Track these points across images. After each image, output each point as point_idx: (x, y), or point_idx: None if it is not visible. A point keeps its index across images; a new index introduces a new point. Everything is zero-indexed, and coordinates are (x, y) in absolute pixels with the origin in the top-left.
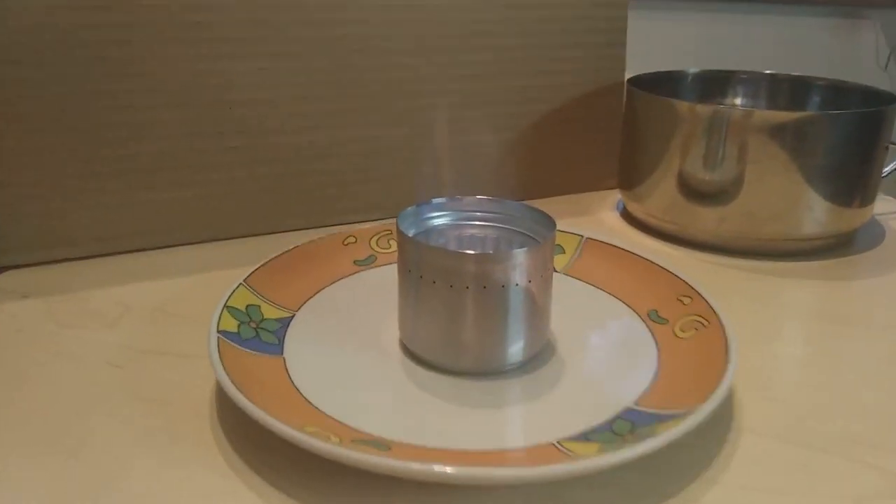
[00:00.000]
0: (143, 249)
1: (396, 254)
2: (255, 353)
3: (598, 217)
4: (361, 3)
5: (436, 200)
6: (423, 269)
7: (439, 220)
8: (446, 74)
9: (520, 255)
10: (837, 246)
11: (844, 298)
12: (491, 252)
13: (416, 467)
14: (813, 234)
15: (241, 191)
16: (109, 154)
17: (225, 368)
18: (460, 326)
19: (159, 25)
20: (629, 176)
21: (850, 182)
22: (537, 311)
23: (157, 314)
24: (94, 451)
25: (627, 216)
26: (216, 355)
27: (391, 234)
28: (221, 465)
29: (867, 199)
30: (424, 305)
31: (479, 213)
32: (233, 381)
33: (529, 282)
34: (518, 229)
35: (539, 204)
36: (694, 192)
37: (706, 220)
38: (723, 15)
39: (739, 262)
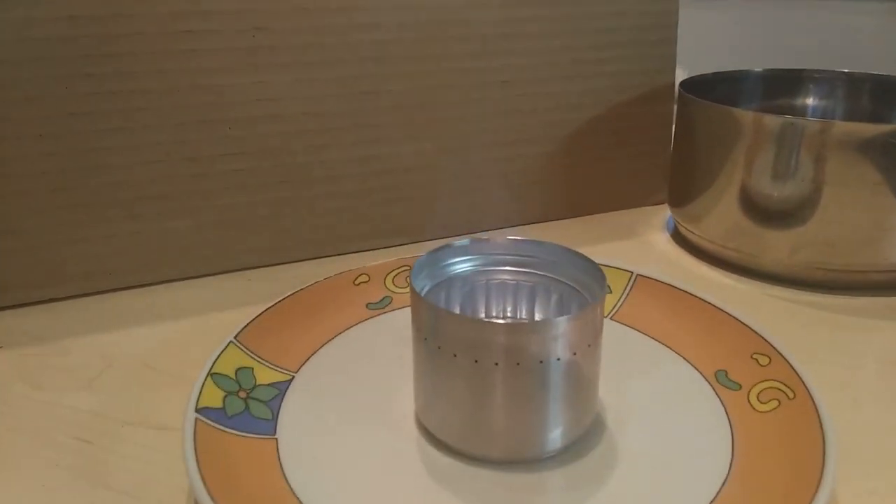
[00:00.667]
0: (134, 287)
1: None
2: (241, 434)
3: (647, 239)
4: (374, 4)
5: (458, 242)
6: (442, 339)
7: (463, 265)
8: (473, 81)
9: (563, 324)
10: None
11: None
12: (526, 321)
13: None
14: None
15: (242, 219)
16: (97, 182)
17: (199, 468)
18: (488, 409)
19: (148, 35)
20: (681, 192)
21: None
22: (582, 387)
23: (141, 370)
24: None
25: (679, 238)
26: (190, 438)
27: (409, 270)
28: None
29: None
30: (444, 381)
31: (510, 257)
32: (203, 481)
33: (574, 354)
34: (558, 277)
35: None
36: (761, 214)
37: (776, 247)
38: (785, 3)
39: (817, 297)
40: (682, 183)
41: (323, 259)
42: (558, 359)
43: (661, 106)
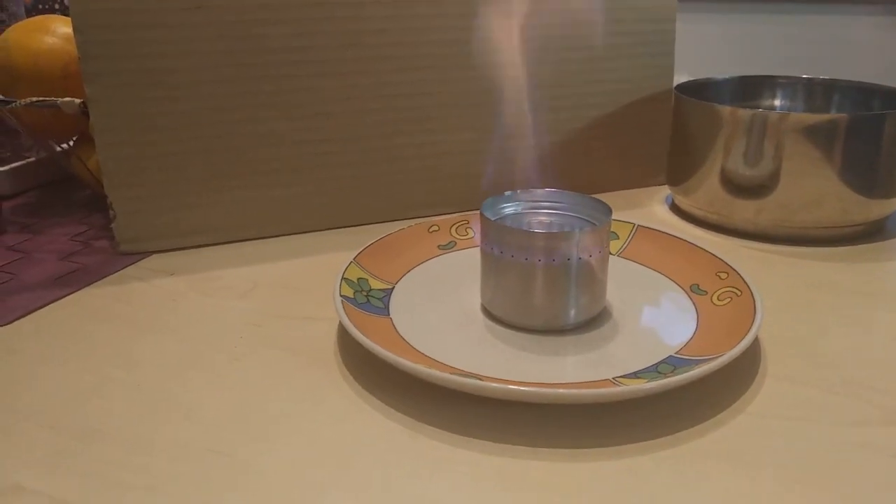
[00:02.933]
0: (258, 238)
1: (473, 239)
2: (367, 313)
3: (649, 209)
4: (428, 33)
5: (508, 192)
6: (503, 246)
7: (512, 208)
8: (509, 86)
9: (581, 234)
10: (868, 233)
11: (871, 277)
12: (557, 231)
13: (495, 386)
14: (843, 222)
15: (335, 188)
16: (232, 158)
17: (348, 316)
18: (532, 293)
19: (274, 51)
20: (677, 173)
21: (877, 176)
22: (596, 281)
23: (282, 289)
24: (241, 382)
25: (676, 209)
26: (341, 308)
27: (468, 223)
28: (347, 392)
29: (894, 192)
30: (502, 276)
31: (545, 203)
32: (355, 326)
33: (590, 256)
34: (579, 216)
35: None
36: (735, 187)
37: (746, 210)
38: (769, 16)
39: (776, 247)
40: (677, 165)
41: (391, 223)
42: (579, 258)
43: (660, 105)
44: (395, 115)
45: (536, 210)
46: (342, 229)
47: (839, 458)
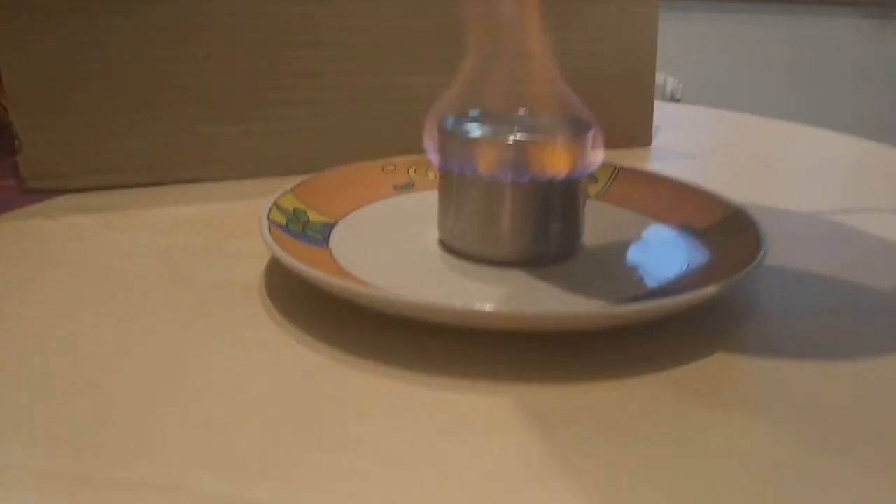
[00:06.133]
0: (189, 181)
1: (435, 174)
2: (301, 242)
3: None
4: None
5: (473, 112)
6: (464, 161)
7: (477, 132)
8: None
9: (558, 146)
10: None
11: None
12: (528, 140)
13: (458, 306)
14: None
15: (282, 129)
16: (164, 86)
17: (276, 241)
18: (499, 218)
19: None
20: None
21: None
22: (574, 205)
23: (207, 226)
24: (146, 316)
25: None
26: (266, 231)
27: (428, 164)
28: (271, 326)
29: None
30: (464, 200)
31: (517, 126)
32: (283, 249)
33: (567, 174)
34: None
35: None
36: None
37: None
38: (747, 16)
39: None
40: None
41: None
42: (555, 177)
43: (645, 57)
44: (358, 51)
45: (507, 133)
46: (289, 178)
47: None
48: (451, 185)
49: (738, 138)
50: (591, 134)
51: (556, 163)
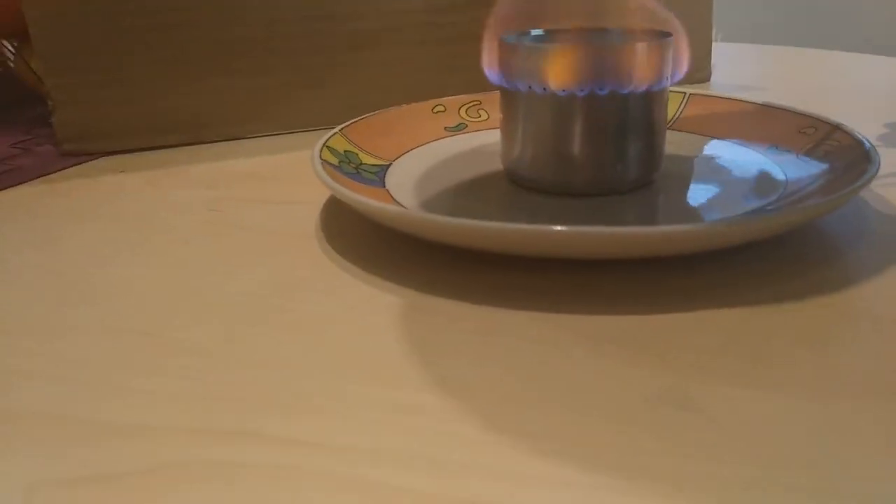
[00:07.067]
0: (231, 139)
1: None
2: (357, 182)
3: None
4: None
5: (535, 32)
6: (531, 76)
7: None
8: None
9: (640, 49)
10: None
11: None
12: (606, 45)
13: (528, 228)
14: None
15: (328, 78)
16: (200, 37)
17: (332, 178)
18: (571, 140)
19: None
20: None
21: None
22: (657, 122)
23: (253, 178)
24: (192, 262)
25: None
26: (320, 168)
27: (480, 104)
28: (332, 268)
29: None
30: (531, 121)
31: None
32: (341, 185)
33: (649, 86)
34: None
35: None
36: None
37: None
38: None
39: None
40: None
41: None
42: (634, 89)
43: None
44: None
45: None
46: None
47: None
48: (517, 106)
49: (793, 70)
50: (673, 38)
51: (639, 71)
